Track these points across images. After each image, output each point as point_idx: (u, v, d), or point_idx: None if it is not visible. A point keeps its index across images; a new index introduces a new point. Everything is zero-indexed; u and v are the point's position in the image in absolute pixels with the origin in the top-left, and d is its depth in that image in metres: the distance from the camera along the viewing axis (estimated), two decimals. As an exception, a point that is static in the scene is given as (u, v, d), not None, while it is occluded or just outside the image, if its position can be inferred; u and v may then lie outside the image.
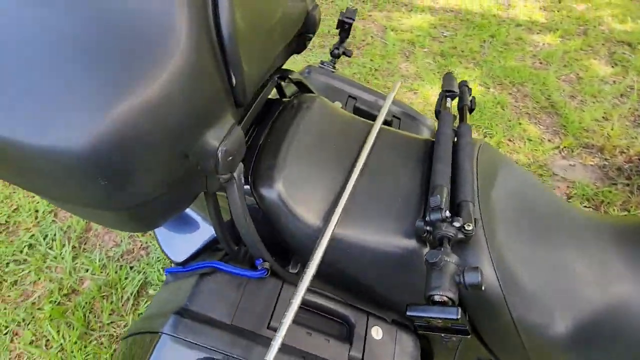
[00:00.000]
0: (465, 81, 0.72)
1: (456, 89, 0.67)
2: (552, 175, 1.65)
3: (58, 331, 1.10)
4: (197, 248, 0.57)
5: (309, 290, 0.51)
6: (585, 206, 1.53)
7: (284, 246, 0.55)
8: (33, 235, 1.29)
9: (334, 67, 0.86)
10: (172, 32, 0.29)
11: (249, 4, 0.37)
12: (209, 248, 0.58)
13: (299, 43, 0.60)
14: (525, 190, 0.62)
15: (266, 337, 0.44)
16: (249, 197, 0.51)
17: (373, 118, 0.64)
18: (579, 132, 1.80)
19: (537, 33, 2.40)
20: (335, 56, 0.85)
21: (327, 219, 0.48)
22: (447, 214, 0.45)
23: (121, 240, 1.32)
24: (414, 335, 0.52)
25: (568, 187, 1.61)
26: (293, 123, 0.56)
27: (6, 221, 1.31)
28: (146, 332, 0.43)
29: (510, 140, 1.78)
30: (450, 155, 0.54)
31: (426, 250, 0.48)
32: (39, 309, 1.14)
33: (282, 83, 0.67)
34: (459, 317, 0.37)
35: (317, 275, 0.51)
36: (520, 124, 1.84)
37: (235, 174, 0.46)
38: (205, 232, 0.59)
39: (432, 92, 1.96)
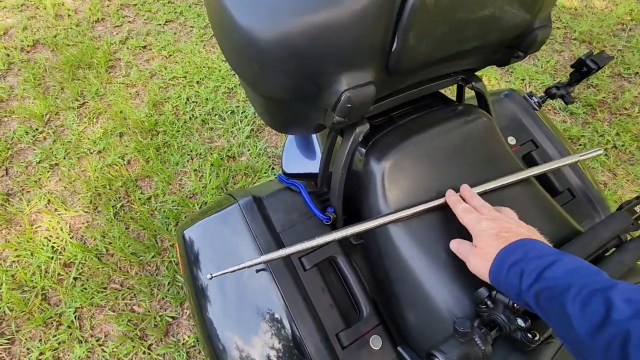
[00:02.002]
0: None
1: None
2: None
3: (210, 174, 1.47)
4: (304, 172, 0.66)
5: (352, 265, 0.54)
6: None
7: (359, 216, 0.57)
8: (238, 107, 1.69)
9: (539, 105, 0.75)
10: None
11: None
12: (312, 178, 0.67)
13: (504, 55, 0.56)
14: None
15: (291, 260, 0.50)
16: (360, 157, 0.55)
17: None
18: None
19: None
20: (549, 95, 0.74)
21: (399, 210, 0.48)
22: (517, 305, 0.38)
23: (280, 147, 1.59)
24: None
25: None
26: (440, 124, 0.55)
27: (234, 87, 1.76)
28: (231, 196, 0.56)
29: None
30: (580, 256, 0.43)
31: (469, 318, 0.42)
32: (210, 153, 1.54)
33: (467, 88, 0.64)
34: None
35: (366, 261, 0.53)
36: None
37: (357, 129, 0.50)
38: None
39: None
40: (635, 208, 0.49)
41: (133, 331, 1.12)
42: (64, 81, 1.71)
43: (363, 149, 0.54)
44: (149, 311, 1.16)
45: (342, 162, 0.51)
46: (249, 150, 1.56)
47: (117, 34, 1.95)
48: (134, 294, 1.19)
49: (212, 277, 0.40)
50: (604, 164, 1.59)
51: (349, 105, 0.39)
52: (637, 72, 1.97)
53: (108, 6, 2.08)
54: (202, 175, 1.48)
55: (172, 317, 1.16)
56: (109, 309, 1.16)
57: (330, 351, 0.46)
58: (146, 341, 1.11)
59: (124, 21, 2.02)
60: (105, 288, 1.20)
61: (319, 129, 0.54)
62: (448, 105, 0.59)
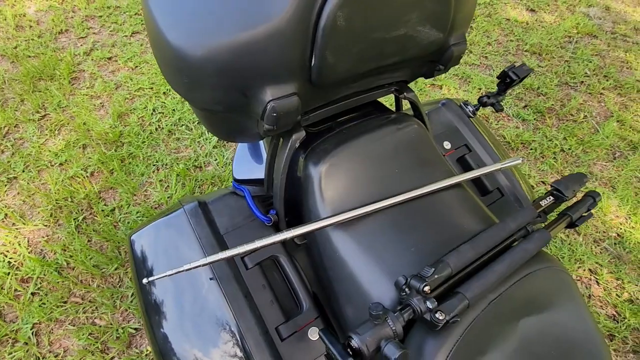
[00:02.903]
0: (596, 193, 0.59)
1: (568, 194, 0.56)
2: None
3: (175, 184, 1.47)
4: (254, 178, 0.69)
5: (293, 263, 0.57)
6: None
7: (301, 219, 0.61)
8: (205, 117, 1.71)
9: (473, 113, 0.82)
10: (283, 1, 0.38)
11: (365, 11, 0.42)
12: (262, 183, 0.70)
13: (429, 69, 0.61)
14: (572, 348, 0.49)
15: (233, 260, 0.53)
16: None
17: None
18: None
19: None
20: (482, 104, 0.81)
21: (336, 214, 0.52)
22: (427, 289, 0.42)
23: (246, 155, 1.62)
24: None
25: None
26: (373, 131, 0.59)
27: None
28: (179, 202, 0.58)
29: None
30: (487, 246, 0.48)
31: (396, 306, 0.47)
32: (177, 163, 1.54)
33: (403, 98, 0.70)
34: (342, 364, 0.37)
35: (309, 259, 0.56)
36: None
37: (293, 136, 0.54)
38: (267, 172, 0.70)
39: (619, 213, 1.56)
40: (541, 202, 0.56)
41: (94, 345, 1.10)
42: (24, 93, 1.68)
43: (303, 155, 0.58)
44: (111, 324, 1.15)
45: (282, 166, 0.55)
46: (216, 159, 1.57)
47: (81, 45, 1.93)
48: (96, 307, 1.18)
49: (148, 281, 0.42)
50: (552, 167, 1.70)
51: (275, 114, 0.43)
52: (582, 81, 2.13)
53: (72, 17, 2.06)
54: (168, 186, 1.48)
55: (135, 329, 1.15)
56: (69, 324, 1.14)
57: (270, 344, 0.49)
58: (108, 354, 1.10)
59: (89, 32, 2.00)
60: (65, 302, 1.18)
61: (262, 137, 0.57)
62: (383, 114, 0.64)
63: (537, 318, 0.49)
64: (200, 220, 0.54)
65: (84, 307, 1.17)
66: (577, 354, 0.49)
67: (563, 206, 0.61)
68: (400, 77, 0.62)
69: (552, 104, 1.97)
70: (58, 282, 1.20)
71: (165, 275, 0.42)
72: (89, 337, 1.11)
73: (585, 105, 1.99)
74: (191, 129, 1.66)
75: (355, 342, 0.38)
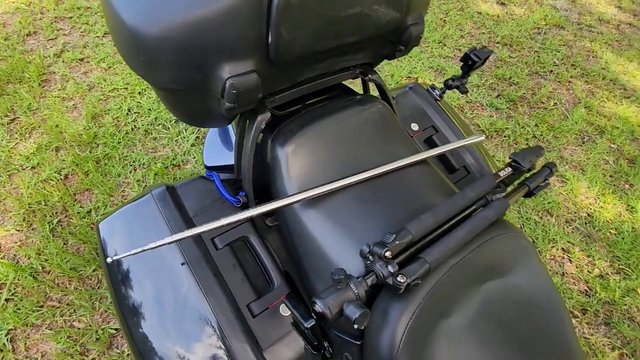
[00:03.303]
0: (553, 164, 0.62)
1: (525, 165, 0.59)
2: None
3: (153, 182, 1.46)
4: (224, 164, 0.70)
5: (264, 243, 0.58)
6: None
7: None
8: (182, 115, 1.70)
9: (440, 96, 0.84)
10: None
11: None
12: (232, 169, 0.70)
13: (390, 50, 0.63)
14: (533, 310, 0.52)
15: (202, 241, 0.53)
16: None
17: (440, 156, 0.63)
18: None
19: None
20: (447, 87, 0.83)
21: (303, 191, 0.53)
22: (388, 254, 0.44)
23: (225, 152, 1.61)
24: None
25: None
26: (339, 111, 0.61)
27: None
28: (147, 188, 0.58)
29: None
30: (448, 214, 0.50)
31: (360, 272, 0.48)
32: (154, 163, 1.53)
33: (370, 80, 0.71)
34: (308, 327, 0.38)
35: (280, 238, 0.57)
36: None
37: (258, 117, 0.55)
38: (237, 158, 0.70)
39: (589, 194, 1.62)
40: (500, 173, 0.58)
41: (73, 347, 1.08)
42: (-8, 97, 1.63)
43: (270, 137, 0.58)
44: (90, 325, 1.13)
45: (249, 147, 0.55)
46: (195, 157, 1.56)
47: (51, 47, 1.89)
48: (74, 310, 1.15)
49: (112, 259, 0.42)
50: (525, 152, 1.76)
51: (234, 91, 0.44)
52: (552, 70, 2.21)
53: (41, 19, 2.01)
54: (146, 185, 1.46)
55: (115, 329, 1.13)
56: (46, 328, 1.11)
57: (241, 320, 0.50)
58: (87, 356, 1.08)
59: (59, 34, 1.96)
60: (41, 306, 1.15)
61: (227, 119, 0.58)
62: (348, 95, 0.66)
63: (498, 281, 0.51)
64: (169, 204, 0.54)
65: (61, 311, 1.14)
66: (537, 314, 0.51)
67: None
68: (363, 59, 0.63)
69: (524, 93, 2.03)
70: (33, 287, 1.17)
71: (131, 254, 0.42)
72: (67, 340, 1.09)
73: (554, 93, 2.06)
74: (168, 128, 1.64)
75: (318, 307, 0.39)
